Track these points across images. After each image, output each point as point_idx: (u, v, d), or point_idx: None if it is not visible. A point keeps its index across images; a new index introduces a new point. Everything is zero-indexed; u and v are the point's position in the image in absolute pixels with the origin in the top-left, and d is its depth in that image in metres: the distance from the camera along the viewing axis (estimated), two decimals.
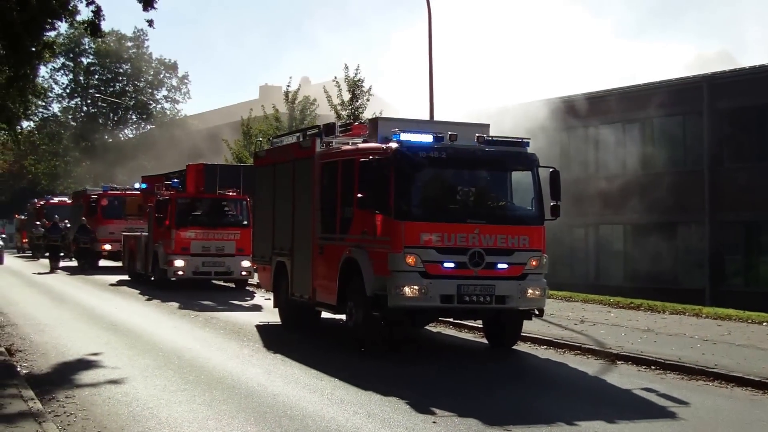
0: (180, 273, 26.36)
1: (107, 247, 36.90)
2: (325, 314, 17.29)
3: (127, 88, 74.14)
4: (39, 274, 34.51)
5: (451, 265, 13.75)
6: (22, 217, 60.11)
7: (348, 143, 16.22)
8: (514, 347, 15.44)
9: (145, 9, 16.00)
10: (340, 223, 15.37)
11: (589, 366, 13.78)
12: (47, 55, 24.28)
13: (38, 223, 45.11)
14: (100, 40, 63.10)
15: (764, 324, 18.03)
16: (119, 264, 34.50)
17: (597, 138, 33.00)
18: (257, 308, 22.12)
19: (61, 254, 37.79)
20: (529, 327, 15.88)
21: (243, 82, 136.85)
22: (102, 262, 37.98)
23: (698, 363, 13.25)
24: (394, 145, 14.01)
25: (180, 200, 27.07)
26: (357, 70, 34.54)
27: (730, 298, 26.01)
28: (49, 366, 13.07)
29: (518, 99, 31.35)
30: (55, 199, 51.69)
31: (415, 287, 13.51)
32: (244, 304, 23.45)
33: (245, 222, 26.49)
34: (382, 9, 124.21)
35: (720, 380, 12.48)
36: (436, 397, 10.98)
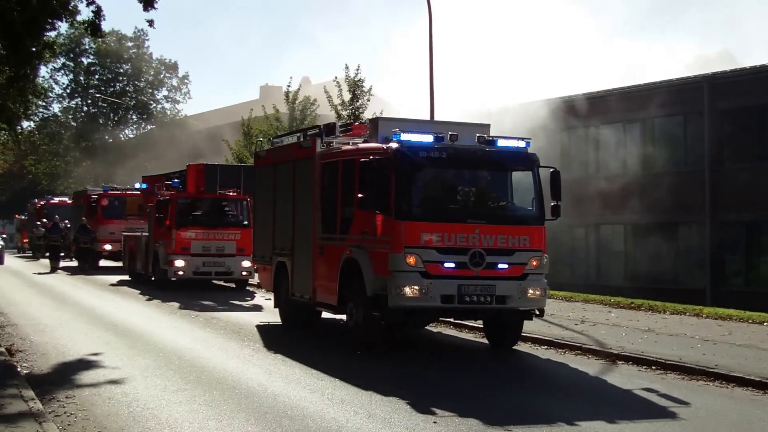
0: (180, 273, 26.35)
1: (107, 247, 36.85)
2: (325, 314, 17.29)
3: (127, 88, 74.07)
4: (39, 274, 34.50)
5: (452, 265, 13.73)
6: (23, 217, 60.13)
7: (348, 143, 16.21)
8: (515, 347, 15.43)
9: (145, 9, 16.03)
10: (340, 223, 15.36)
11: (589, 366, 13.78)
12: (47, 55, 24.32)
13: (39, 223, 45.03)
14: (100, 40, 63.08)
15: (765, 324, 18.02)
16: (119, 264, 34.49)
17: (597, 138, 32.97)
18: (258, 308, 22.11)
19: (62, 254, 37.79)
20: (530, 327, 15.88)
21: (243, 82, 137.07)
22: (102, 262, 37.97)
23: (699, 363, 13.25)
24: (394, 145, 14.00)
25: (180, 200, 27.06)
26: (357, 70, 34.62)
27: (731, 298, 26.01)
28: (49, 366, 13.07)
29: (518, 99, 31.42)
30: (56, 199, 51.63)
31: (416, 287, 13.49)
32: (244, 304, 23.44)
33: (246, 222, 26.49)
34: (383, 9, 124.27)
35: (721, 380, 12.48)
36: (437, 397, 10.98)
